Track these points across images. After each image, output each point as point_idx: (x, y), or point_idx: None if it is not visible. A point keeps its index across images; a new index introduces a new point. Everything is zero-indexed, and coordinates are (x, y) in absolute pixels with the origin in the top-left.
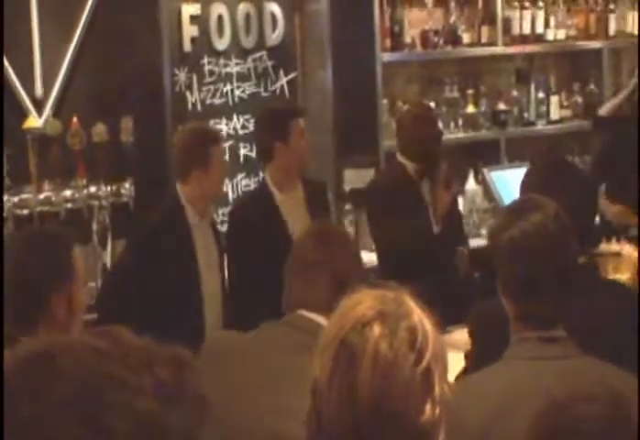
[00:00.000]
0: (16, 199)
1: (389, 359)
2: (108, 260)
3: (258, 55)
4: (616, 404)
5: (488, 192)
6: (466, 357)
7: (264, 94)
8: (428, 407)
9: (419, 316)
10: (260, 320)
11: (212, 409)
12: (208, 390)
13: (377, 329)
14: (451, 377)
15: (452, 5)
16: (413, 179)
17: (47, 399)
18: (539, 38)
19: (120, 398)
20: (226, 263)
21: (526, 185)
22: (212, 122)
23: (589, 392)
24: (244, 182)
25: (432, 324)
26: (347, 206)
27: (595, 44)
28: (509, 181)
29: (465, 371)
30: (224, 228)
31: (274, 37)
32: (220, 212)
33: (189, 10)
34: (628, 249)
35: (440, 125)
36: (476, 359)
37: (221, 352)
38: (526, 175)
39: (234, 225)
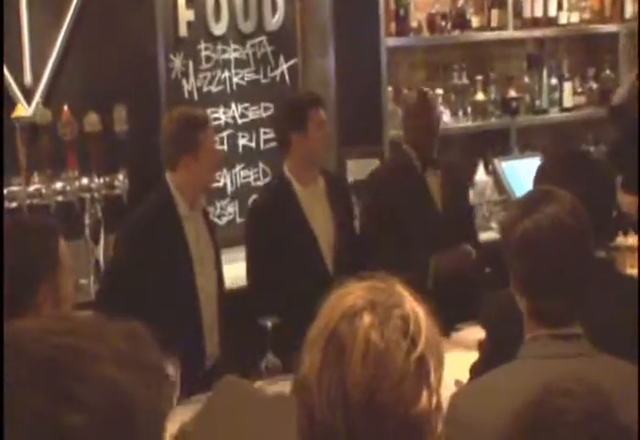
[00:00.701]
0: (4, 191)
1: (380, 349)
2: (101, 256)
3: (257, 40)
4: (594, 398)
5: (498, 183)
6: (479, 348)
7: (263, 81)
8: (424, 396)
9: (411, 304)
10: (279, 316)
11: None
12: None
13: (367, 318)
14: (463, 374)
15: None
16: (417, 168)
17: (15, 379)
18: (552, 22)
19: (81, 366)
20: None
21: (540, 177)
22: (209, 110)
23: (565, 387)
24: (243, 174)
25: (425, 311)
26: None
27: (611, 27)
28: (520, 172)
29: (477, 363)
30: (222, 222)
31: (274, 21)
32: (218, 204)
33: None
34: None
35: (446, 112)
36: (490, 351)
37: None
38: (540, 166)
39: (253, 218)
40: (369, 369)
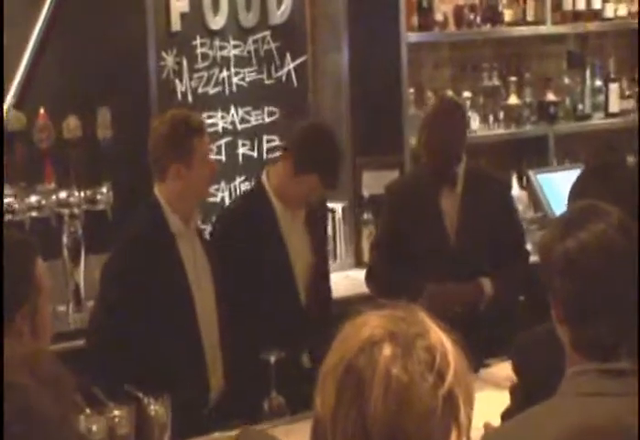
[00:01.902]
0: None
1: (403, 383)
2: (81, 280)
3: (260, 35)
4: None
5: (534, 198)
6: (511, 393)
7: (267, 82)
8: (453, 437)
9: (436, 334)
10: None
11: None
12: None
13: (387, 349)
14: (493, 417)
15: None
16: (432, 186)
17: None
18: (596, 15)
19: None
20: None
21: (578, 191)
22: (205, 115)
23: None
24: (243, 187)
25: (453, 342)
26: (367, 215)
27: None
28: (559, 186)
29: (510, 410)
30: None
31: (279, 13)
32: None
33: None
34: None
35: (474, 118)
36: (523, 396)
37: None
38: (579, 179)
39: (219, 234)
40: (390, 406)
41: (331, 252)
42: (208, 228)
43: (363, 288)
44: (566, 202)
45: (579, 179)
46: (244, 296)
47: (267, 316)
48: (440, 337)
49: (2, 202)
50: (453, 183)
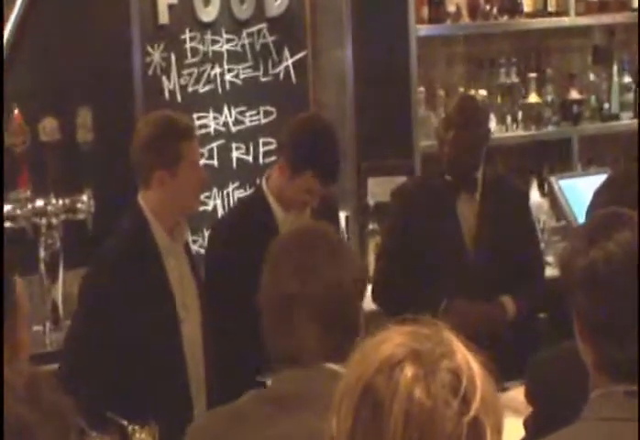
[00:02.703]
0: None
1: (426, 407)
2: (59, 297)
3: (255, 29)
4: None
5: (556, 207)
6: (525, 425)
7: (263, 80)
8: None
9: (463, 355)
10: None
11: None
12: None
13: (409, 370)
14: None
15: None
16: (448, 192)
17: None
18: (624, 5)
19: None
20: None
21: (602, 199)
22: (195, 115)
23: None
24: (237, 194)
25: (480, 365)
26: (372, 225)
27: None
28: (583, 193)
29: None
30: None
31: (277, 5)
32: (207, 233)
33: None
34: None
35: (491, 118)
36: (538, 426)
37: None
38: (603, 185)
39: (215, 247)
40: (412, 432)
41: None
42: (199, 240)
43: (370, 305)
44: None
45: (603, 185)
46: (239, 313)
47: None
48: (467, 359)
49: (2, 204)
50: (472, 189)
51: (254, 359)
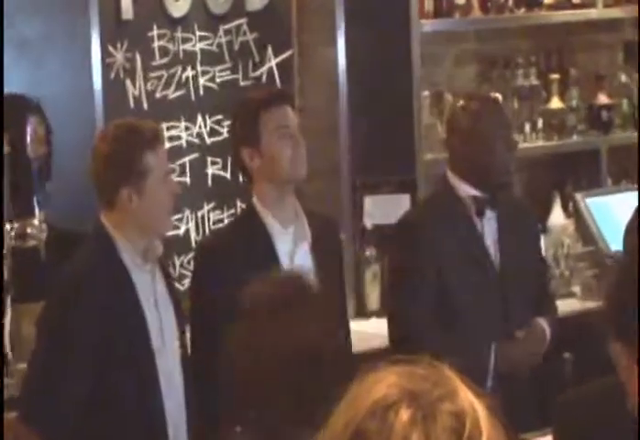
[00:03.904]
0: None
1: None
2: (6, 336)
3: (234, 25)
4: None
5: (583, 228)
6: None
7: (243, 84)
8: None
9: (466, 397)
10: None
11: None
12: None
13: (405, 413)
14: None
15: None
16: (469, 212)
17: None
18: None
19: None
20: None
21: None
22: (164, 125)
23: None
24: (213, 216)
25: (487, 408)
26: (369, 252)
27: None
28: (614, 213)
29: None
30: (185, 285)
31: None
32: (178, 261)
33: None
34: None
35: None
36: None
37: None
38: None
39: (203, 270)
40: None
41: None
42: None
43: (369, 342)
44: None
45: None
46: (226, 345)
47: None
48: (471, 401)
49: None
50: (493, 206)
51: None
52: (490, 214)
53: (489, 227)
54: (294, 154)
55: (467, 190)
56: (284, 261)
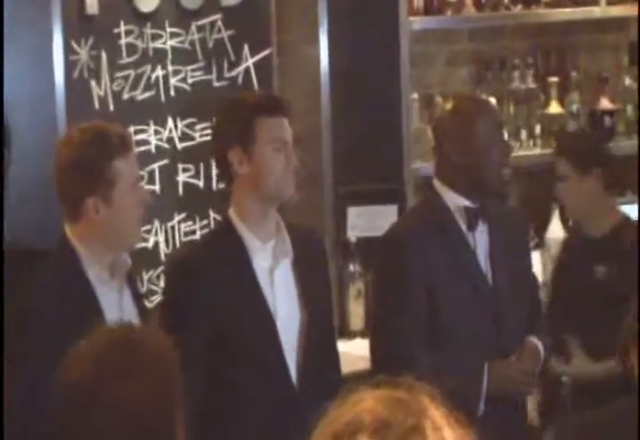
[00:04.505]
0: None
1: None
2: None
3: (207, 21)
4: None
5: None
6: None
7: (217, 84)
8: None
9: (438, 427)
10: None
11: None
12: None
13: None
14: None
15: None
16: (459, 224)
17: None
18: None
19: None
20: None
21: None
22: (132, 129)
23: None
24: (184, 227)
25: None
26: (353, 267)
27: None
28: None
29: None
30: (153, 302)
31: None
32: (146, 276)
33: None
34: None
35: (506, 134)
36: None
37: None
38: None
39: (174, 288)
40: None
41: None
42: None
43: (353, 365)
44: None
45: None
46: (204, 373)
47: (241, 402)
48: (445, 433)
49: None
50: (485, 216)
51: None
52: (481, 227)
53: (480, 240)
54: (285, 172)
55: (455, 199)
56: (263, 279)
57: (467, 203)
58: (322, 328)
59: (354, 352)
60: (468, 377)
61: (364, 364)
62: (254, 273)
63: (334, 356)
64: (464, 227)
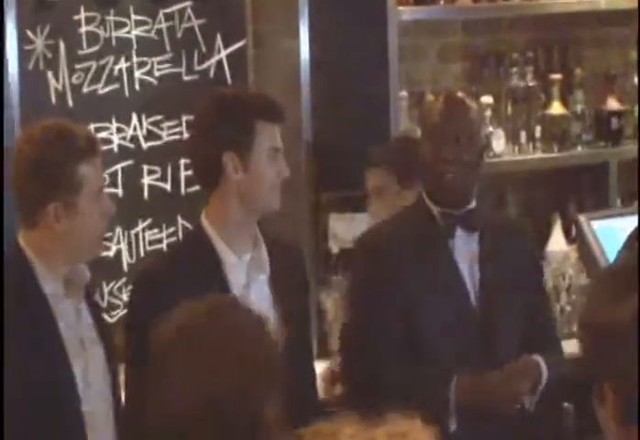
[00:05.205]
0: None
1: None
2: None
3: (177, 8)
4: None
5: (587, 256)
6: None
7: (187, 78)
8: None
9: None
10: None
11: None
12: None
13: None
14: None
15: None
16: (441, 229)
17: None
18: None
19: None
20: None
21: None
22: (92, 126)
23: None
24: (149, 236)
25: None
26: (335, 277)
27: None
28: (624, 238)
29: None
30: (114, 316)
31: None
32: (107, 288)
33: None
34: None
35: (498, 135)
36: None
37: None
38: None
39: (141, 303)
40: None
41: None
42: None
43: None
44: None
45: None
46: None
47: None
48: None
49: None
50: (470, 225)
51: None
52: (464, 235)
53: (466, 251)
54: (277, 184)
55: (436, 207)
56: (237, 295)
57: (445, 209)
58: (299, 349)
59: None
60: (437, 390)
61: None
62: (229, 289)
63: (311, 379)
64: (449, 236)
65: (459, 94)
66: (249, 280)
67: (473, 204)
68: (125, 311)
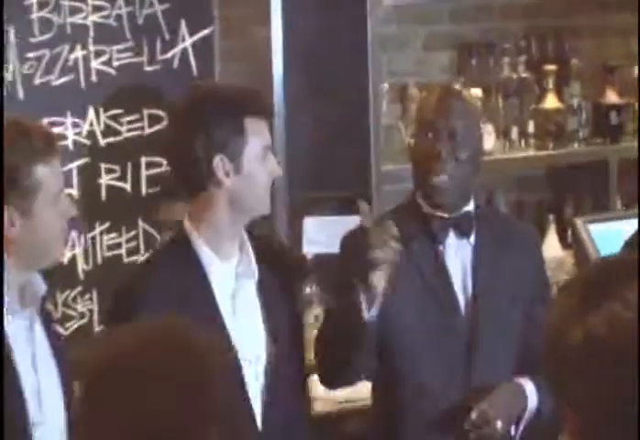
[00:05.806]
0: None
1: None
2: None
3: None
4: None
5: (584, 261)
6: None
7: (149, 68)
8: None
9: None
10: None
11: None
12: None
13: None
14: None
15: None
16: (432, 233)
17: None
18: None
19: None
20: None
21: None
22: (46, 121)
23: None
24: (107, 240)
25: None
26: (310, 290)
27: None
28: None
29: None
30: (69, 328)
31: None
32: (62, 297)
33: None
34: None
35: (488, 130)
36: None
37: None
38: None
39: (119, 314)
40: None
41: None
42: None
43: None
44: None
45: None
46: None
47: None
48: None
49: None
50: (464, 230)
51: None
52: (457, 241)
53: (460, 258)
54: (269, 186)
55: (428, 208)
56: (224, 304)
57: (438, 211)
58: (292, 358)
59: (312, 391)
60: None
61: (322, 404)
62: (214, 296)
63: (303, 395)
64: (442, 241)
65: (456, 86)
66: (237, 287)
67: (470, 207)
68: (80, 322)
